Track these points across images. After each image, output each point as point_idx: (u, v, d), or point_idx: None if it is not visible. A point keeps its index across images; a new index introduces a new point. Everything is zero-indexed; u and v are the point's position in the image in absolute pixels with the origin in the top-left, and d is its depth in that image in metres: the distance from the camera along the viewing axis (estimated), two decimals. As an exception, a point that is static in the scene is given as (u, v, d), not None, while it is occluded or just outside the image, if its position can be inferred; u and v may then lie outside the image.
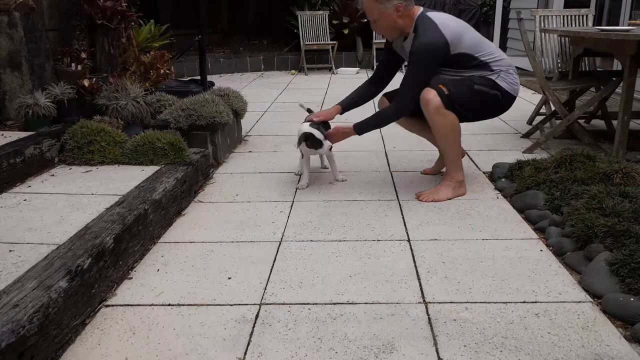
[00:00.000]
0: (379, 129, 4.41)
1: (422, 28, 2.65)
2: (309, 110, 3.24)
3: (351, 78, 7.88)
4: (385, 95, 3.08)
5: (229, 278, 2.06)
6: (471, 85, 2.72)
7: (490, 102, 2.78)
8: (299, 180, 3.09)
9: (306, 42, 8.52)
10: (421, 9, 2.73)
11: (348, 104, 3.06)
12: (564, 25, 4.29)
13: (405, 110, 2.77)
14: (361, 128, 2.86)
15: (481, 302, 1.87)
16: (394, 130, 4.35)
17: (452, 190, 2.88)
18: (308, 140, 2.89)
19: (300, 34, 8.61)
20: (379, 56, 8.49)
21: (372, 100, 3.16)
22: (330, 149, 2.92)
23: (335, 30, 9.00)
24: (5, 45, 3.22)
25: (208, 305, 1.88)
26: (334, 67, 8.52)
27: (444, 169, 3.11)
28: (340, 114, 3.06)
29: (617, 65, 4.13)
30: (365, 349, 1.62)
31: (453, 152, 2.86)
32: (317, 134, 2.87)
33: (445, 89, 2.68)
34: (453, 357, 1.59)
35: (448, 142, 2.82)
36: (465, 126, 4.67)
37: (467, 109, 2.75)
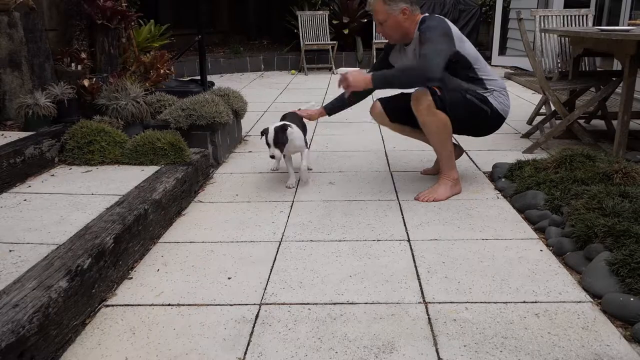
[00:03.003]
0: (379, 129, 4.42)
1: (428, 19, 2.72)
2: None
3: (351, 78, 7.87)
4: (379, 100, 3.07)
5: (229, 278, 2.06)
6: (463, 93, 2.76)
7: (478, 115, 2.80)
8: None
9: (306, 42, 8.51)
10: (425, 15, 2.81)
11: (333, 107, 3.13)
12: (564, 25, 4.29)
13: (431, 71, 2.51)
14: (378, 79, 2.62)
15: (481, 302, 1.87)
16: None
17: (450, 189, 2.89)
18: (277, 133, 2.77)
19: (300, 34, 8.60)
20: (378, 56, 8.47)
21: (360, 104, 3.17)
22: (307, 146, 2.96)
23: (335, 30, 9.00)
24: (5, 45, 3.22)
25: (208, 305, 1.88)
26: (334, 67, 8.51)
27: None
28: (328, 115, 3.15)
29: (617, 65, 4.13)
30: (365, 349, 1.62)
31: (445, 150, 2.87)
32: (290, 129, 2.86)
33: (437, 90, 2.71)
34: (453, 357, 1.59)
35: (440, 140, 2.84)
36: (465, 126, 4.63)
37: (455, 115, 2.75)
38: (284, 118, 3.17)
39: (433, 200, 2.83)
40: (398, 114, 3.02)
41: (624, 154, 3.27)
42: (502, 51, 8.57)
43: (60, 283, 1.67)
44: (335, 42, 8.60)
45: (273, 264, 2.17)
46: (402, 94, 2.97)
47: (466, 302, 1.87)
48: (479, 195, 2.92)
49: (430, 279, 2.03)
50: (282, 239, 2.41)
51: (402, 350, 1.62)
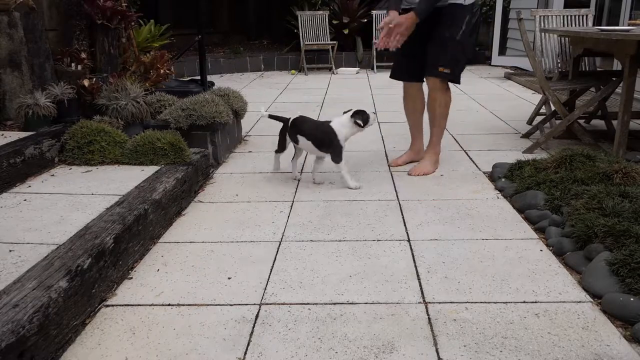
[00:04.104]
0: (378, 129, 4.42)
1: None
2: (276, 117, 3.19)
3: (351, 78, 7.88)
4: (397, 77, 3.42)
5: (229, 278, 2.06)
6: (454, 38, 3.03)
7: (470, 32, 3.11)
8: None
9: (306, 42, 8.51)
10: None
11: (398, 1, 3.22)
12: (564, 25, 4.29)
13: None
14: (421, 11, 2.90)
15: (481, 302, 1.87)
16: (394, 130, 4.35)
17: (435, 164, 3.29)
18: (359, 115, 2.95)
19: (300, 34, 8.61)
20: (379, 56, 8.49)
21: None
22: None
23: (335, 30, 9.00)
24: (5, 45, 3.22)
25: (208, 305, 1.88)
26: (334, 67, 8.51)
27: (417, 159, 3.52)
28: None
29: (617, 65, 4.13)
30: (365, 349, 1.62)
31: (442, 123, 3.29)
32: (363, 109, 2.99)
33: (447, 70, 3.05)
34: (453, 357, 1.59)
35: (442, 113, 3.26)
36: (465, 126, 4.67)
37: (467, 52, 3.17)
38: (297, 122, 3.04)
39: (423, 175, 3.20)
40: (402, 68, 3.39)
41: (624, 154, 3.27)
42: (502, 51, 8.57)
43: (60, 283, 1.67)
44: (335, 42, 8.60)
45: (273, 264, 2.17)
46: (406, 59, 3.29)
47: (466, 302, 1.87)
48: (479, 195, 2.92)
49: (430, 279, 2.03)
50: (282, 239, 2.41)
51: (402, 350, 1.62)
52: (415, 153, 3.53)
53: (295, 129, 3.03)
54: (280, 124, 3.15)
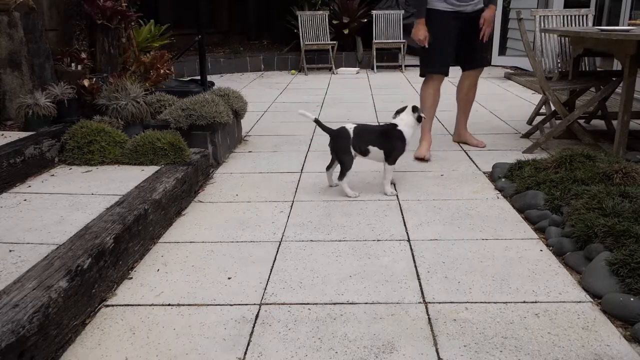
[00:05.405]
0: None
1: None
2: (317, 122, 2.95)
3: (351, 78, 7.87)
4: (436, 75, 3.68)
5: (229, 278, 2.06)
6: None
7: None
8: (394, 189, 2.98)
9: (306, 42, 8.51)
10: None
11: None
12: (564, 25, 4.29)
13: None
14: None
15: (481, 302, 1.87)
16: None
17: None
18: (419, 110, 2.97)
19: (300, 34, 8.60)
20: (379, 56, 8.48)
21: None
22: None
23: (335, 30, 9.00)
24: (5, 45, 3.22)
25: (208, 305, 1.88)
26: (334, 67, 8.51)
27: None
28: None
29: (617, 65, 4.13)
30: (365, 349, 1.62)
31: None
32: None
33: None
34: (453, 357, 1.59)
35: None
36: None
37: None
38: (362, 132, 2.88)
39: (483, 147, 3.79)
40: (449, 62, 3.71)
41: (624, 154, 3.27)
42: (502, 51, 8.57)
43: (60, 283, 1.67)
44: (335, 42, 8.60)
45: (273, 264, 2.17)
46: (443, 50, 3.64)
47: (466, 302, 1.87)
48: (479, 195, 2.92)
49: (430, 279, 2.03)
50: (282, 239, 2.41)
51: (402, 350, 1.62)
52: (430, 142, 3.71)
53: (363, 140, 2.86)
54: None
